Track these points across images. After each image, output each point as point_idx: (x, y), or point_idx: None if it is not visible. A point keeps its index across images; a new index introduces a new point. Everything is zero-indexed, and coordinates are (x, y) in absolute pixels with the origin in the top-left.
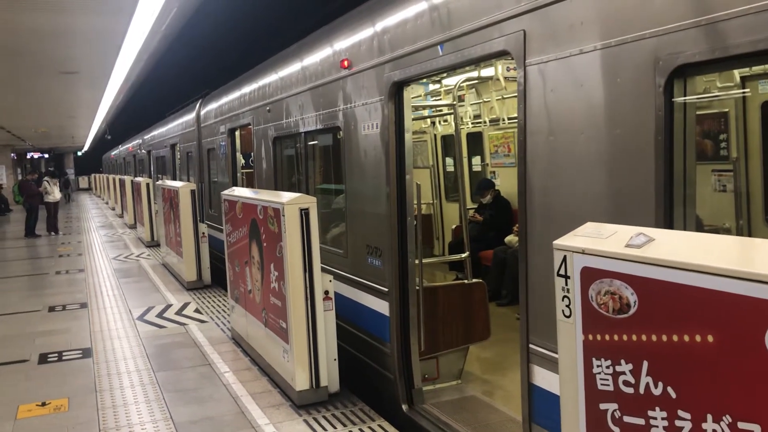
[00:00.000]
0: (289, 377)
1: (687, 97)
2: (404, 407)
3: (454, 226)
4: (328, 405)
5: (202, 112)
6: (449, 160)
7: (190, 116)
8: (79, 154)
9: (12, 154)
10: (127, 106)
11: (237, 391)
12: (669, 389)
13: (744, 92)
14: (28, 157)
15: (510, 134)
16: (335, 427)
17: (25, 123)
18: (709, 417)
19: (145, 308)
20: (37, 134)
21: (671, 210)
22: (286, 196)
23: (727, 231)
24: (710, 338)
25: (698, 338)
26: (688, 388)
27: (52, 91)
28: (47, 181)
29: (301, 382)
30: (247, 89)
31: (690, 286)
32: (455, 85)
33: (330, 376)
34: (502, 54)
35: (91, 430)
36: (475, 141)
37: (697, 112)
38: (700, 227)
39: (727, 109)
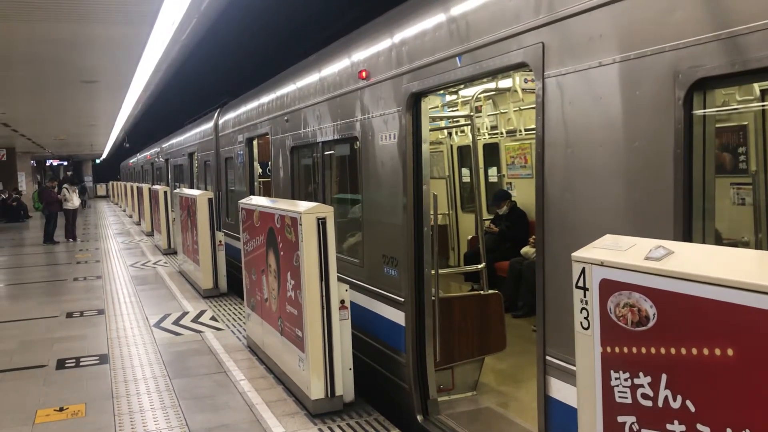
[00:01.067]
0: (305, 386)
1: (706, 110)
2: (419, 418)
3: (469, 237)
4: (343, 414)
5: (221, 122)
6: (465, 171)
7: (208, 125)
8: (98, 161)
9: (32, 162)
10: (146, 115)
11: (252, 399)
12: (688, 402)
13: (764, 105)
14: (48, 164)
15: (527, 145)
16: None
17: (46, 131)
18: (729, 431)
19: (161, 315)
20: (56, 142)
21: (690, 223)
22: (303, 206)
23: (745, 244)
24: (730, 352)
25: (718, 352)
26: (708, 401)
27: (73, 99)
28: (66, 189)
29: (316, 391)
30: (265, 99)
31: (709, 300)
32: (472, 96)
33: (345, 385)
34: (520, 66)
35: None
36: (492, 152)
37: (717, 125)
38: (718, 240)
39: (746, 122)
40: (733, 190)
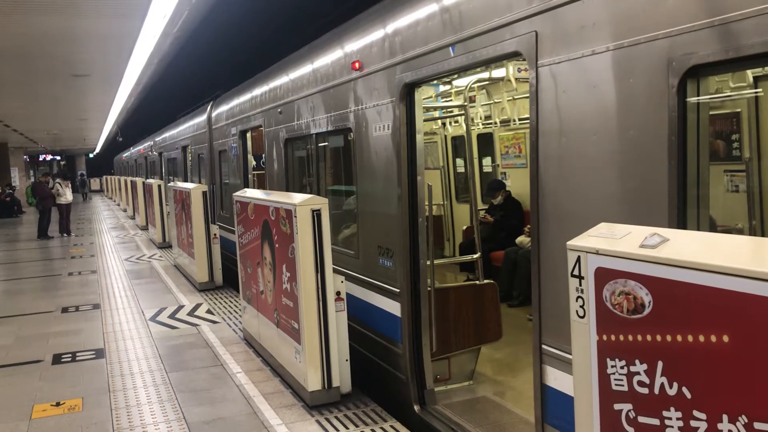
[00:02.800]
0: (301, 378)
1: (700, 98)
2: (416, 408)
3: (464, 227)
4: (340, 405)
5: (214, 114)
6: (459, 161)
7: (201, 118)
8: (91, 156)
9: (25, 157)
10: (139, 109)
11: (249, 391)
12: (684, 389)
13: (756, 92)
14: (41, 159)
15: (521, 135)
16: (347, 428)
17: (38, 125)
18: (725, 417)
19: (157, 309)
20: (49, 136)
21: (684, 210)
22: (297, 198)
23: (739, 231)
24: (725, 338)
25: (713, 338)
26: (704, 388)
27: (65, 93)
28: (59, 183)
29: (313, 382)
30: (258, 91)
31: (705, 286)
32: (466, 86)
33: (342, 376)
34: (513, 55)
35: (105, 430)
36: (486, 142)
37: (710, 113)
38: (713, 228)
39: (739, 110)
40: (727, 177)
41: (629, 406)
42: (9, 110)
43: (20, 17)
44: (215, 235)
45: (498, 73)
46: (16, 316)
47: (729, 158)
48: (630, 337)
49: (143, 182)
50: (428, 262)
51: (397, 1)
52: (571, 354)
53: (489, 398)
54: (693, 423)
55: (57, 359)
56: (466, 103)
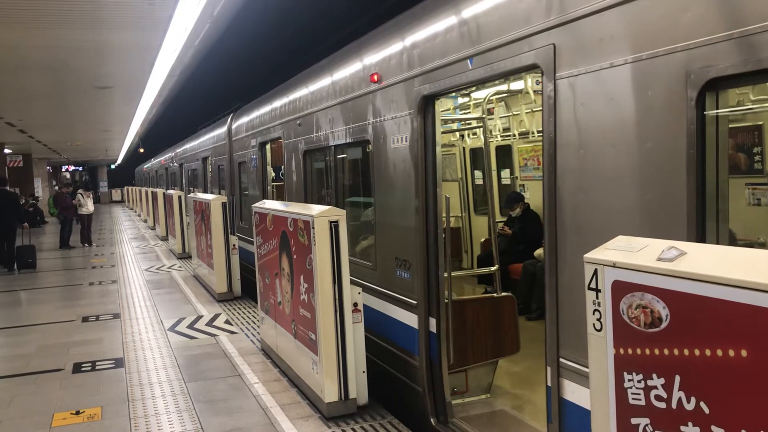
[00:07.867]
0: (318, 389)
1: (719, 110)
2: (433, 421)
3: (483, 239)
4: (357, 417)
5: (234, 126)
6: (478, 173)
7: (221, 130)
8: (113, 167)
9: (48, 167)
10: (160, 120)
11: (266, 402)
12: (702, 404)
13: None
14: (63, 170)
15: (539, 147)
16: None
17: (61, 136)
18: None
19: (176, 319)
20: (72, 147)
21: (703, 224)
22: (315, 209)
23: (761, 245)
24: (744, 353)
25: (731, 353)
26: (722, 403)
27: (87, 105)
28: (81, 194)
29: (329, 393)
30: (277, 103)
31: (722, 300)
32: (484, 99)
33: (359, 388)
34: (532, 68)
35: None
36: (505, 154)
37: (730, 126)
38: (733, 241)
39: (761, 122)
40: (749, 190)
41: (646, 421)
42: (33, 121)
43: (45, 31)
44: (234, 245)
45: (516, 85)
46: (37, 325)
47: (751, 171)
48: (647, 351)
49: (164, 193)
50: (446, 274)
51: (415, 13)
52: (588, 367)
53: (507, 412)
54: None
55: (77, 368)
56: (484, 116)
